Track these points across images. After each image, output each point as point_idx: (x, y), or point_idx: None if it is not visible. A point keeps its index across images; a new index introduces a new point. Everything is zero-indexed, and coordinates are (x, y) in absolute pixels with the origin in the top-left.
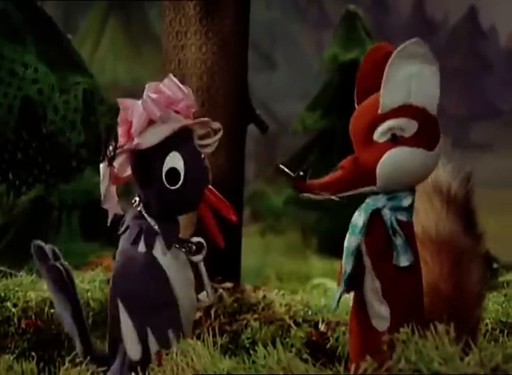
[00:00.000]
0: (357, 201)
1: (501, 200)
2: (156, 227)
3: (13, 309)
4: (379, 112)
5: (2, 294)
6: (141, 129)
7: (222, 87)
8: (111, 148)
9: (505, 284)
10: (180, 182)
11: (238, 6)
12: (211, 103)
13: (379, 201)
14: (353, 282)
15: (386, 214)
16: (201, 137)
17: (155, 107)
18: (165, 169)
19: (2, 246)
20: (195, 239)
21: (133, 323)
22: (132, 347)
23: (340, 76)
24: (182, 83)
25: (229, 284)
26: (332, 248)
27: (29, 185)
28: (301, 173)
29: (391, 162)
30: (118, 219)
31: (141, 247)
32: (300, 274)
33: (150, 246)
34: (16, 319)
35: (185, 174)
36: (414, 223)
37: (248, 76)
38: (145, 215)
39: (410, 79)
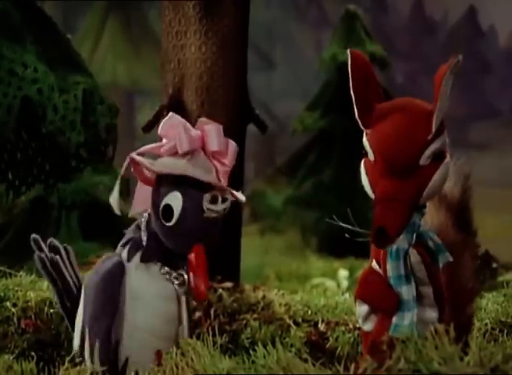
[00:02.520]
0: (354, 200)
1: (500, 200)
2: (144, 241)
3: (13, 309)
4: (432, 135)
5: (2, 294)
6: (167, 153)
7: (222, 87)
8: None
9: (504, 284)
10: (172, 222)
11: (237, 6)
12: (210, 103)
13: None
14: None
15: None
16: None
17: (186, 141)
18: (163, 202)
19: (2, 246)
20: (180, 272)
21: (82, 316)
22: (76, 338)
23: (340, 76)
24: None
25: (228, 284)
26: (332, 248)
27: (28, 185)
28: (380, 230)
29: (438, 183)
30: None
31: (124, 252)
32: (299, 274)
33: (131, 254)
34: (15, 319)
35: (178, 217)
36: None
37: (247, 76)
38: (142, 226)
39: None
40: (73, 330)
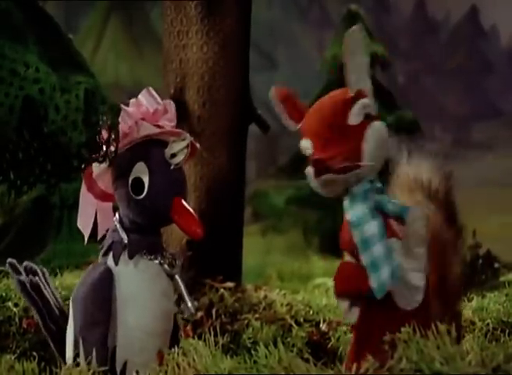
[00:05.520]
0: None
1: (502, 199)
2: (125, 239)
3: (14, 309)
4: (350, 93)
5: (4, 294)
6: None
7: (224, 87)
8: (112, 148)
9: (506, 284)
10: (145, 192)
11: (239, 6)
12: (212, 103)
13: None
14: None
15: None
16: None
17: (127, 119)
18: (130, 178)
19: (3, 246)
20: (170, 251)
21: (74, 327)
22: (68, 349)
23: (341, 76)
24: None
25: (230, 284)
26: (334, 248)
27: (30, 185)
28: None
29: (373, 141)
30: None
31: (110, 259)
32: (301, 274)
33: (117, 257)
34: (17, 319)
35: (149, 185)
36: None
37: (249, 76)
38: (117, 227)
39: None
40: (58, 350)
